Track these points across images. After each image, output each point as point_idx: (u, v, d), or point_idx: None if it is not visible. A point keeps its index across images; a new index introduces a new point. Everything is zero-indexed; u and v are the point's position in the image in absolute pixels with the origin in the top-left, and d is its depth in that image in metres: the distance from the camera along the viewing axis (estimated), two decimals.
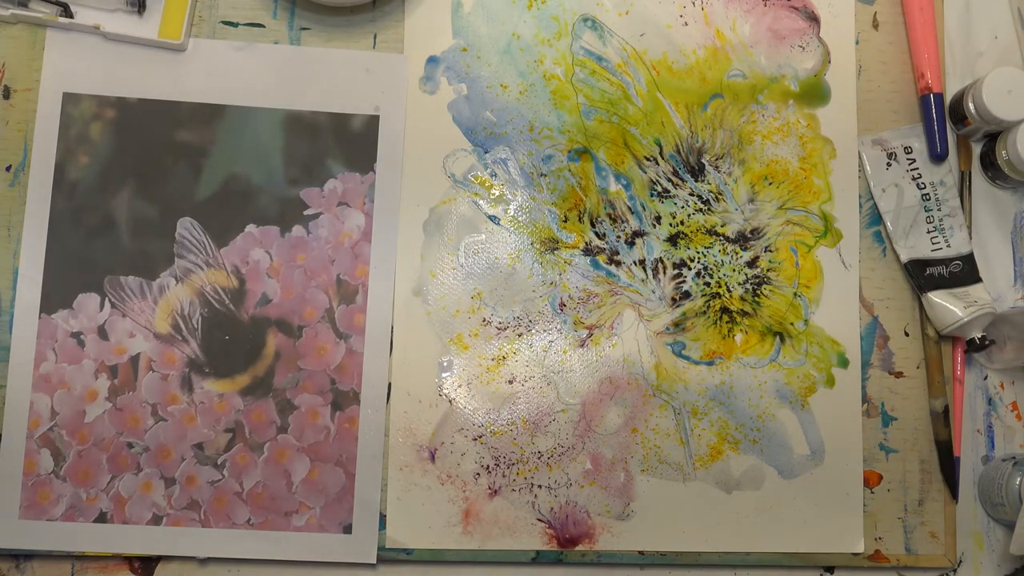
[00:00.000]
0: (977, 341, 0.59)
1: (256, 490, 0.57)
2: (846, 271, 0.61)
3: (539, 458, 0.58)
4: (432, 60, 0.61)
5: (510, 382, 0.59)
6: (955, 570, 0.60)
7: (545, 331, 0.59)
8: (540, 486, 0.58)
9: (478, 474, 0.58)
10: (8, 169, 0.58)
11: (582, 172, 0.61)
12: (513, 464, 0.58)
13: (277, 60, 0.60)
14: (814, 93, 0.63)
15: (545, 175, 0.61)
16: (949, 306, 0.59)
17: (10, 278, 0.58)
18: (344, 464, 0.57)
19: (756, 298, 0.61)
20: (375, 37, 0.61)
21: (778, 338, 0.60)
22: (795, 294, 0.61)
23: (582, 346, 0.59)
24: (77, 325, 0.57)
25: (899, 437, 0.60)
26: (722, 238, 0.61)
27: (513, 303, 0.60)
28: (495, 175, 0.61)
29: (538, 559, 0.58)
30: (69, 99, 0.59)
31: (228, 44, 0.60)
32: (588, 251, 0.60)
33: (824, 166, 0.62)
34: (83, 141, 0.59)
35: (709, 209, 0.61)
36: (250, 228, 0.59)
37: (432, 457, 0.58)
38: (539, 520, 0.58)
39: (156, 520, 0.56)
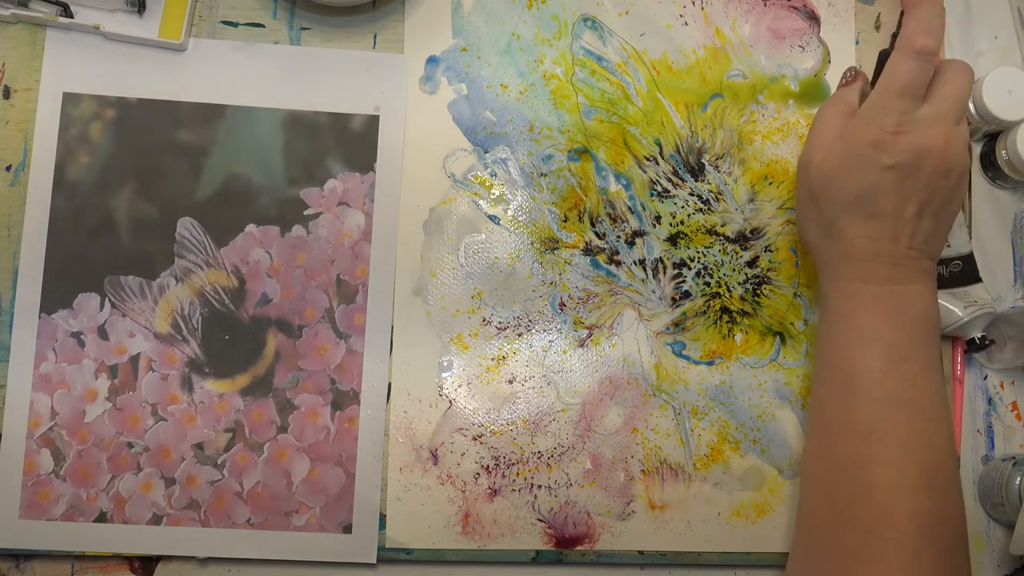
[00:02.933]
0: (977, 341, 0.59)
1: (256, 490, 0.57)
2: None
3: (539, 458, 0.58)
4: (432, 60, 0.61)
5: (510, 382, 0.59)
6: None
7: (545, 331, 0.59)
8: (540, 486, 0.58)
9: (478, 474, 0.58)
10: (8, 169, 0.58)
11: (582, 172, 0.61)
12: (513, 464, 0.58)
13: (277, 60, 0.60)
14: (814, 93, 0.63)
15: (545, 175, 0.61)
16: (949, 306, 0.59)
17: (10, 278, 0.58)
18: (344, 464, 0.57)
19: (756, 298, 0.61)
20: (375, 37, 0.61)
21: (778, 338, 0.60)
22: (795, 294, 0.61)
23: (582, 346, 0.59)
24: (77, 325, 0.57)
25: None
26: (722, 238, 0.61)
27: (513, 303, 0.60)
28: (495, 175, 0.61)
29: (538, 559, 0.58)
30: (69, 99, 0.59)
31: (228, 44, 0.60)
32: (588, 251, 0.60)
33: None
34: (83, 141, 0.59)
35: (709, 209, 0.61)
36: (250, 228, 0.59)
37: (435, 459, 0.58)
38: (539, 520, 0.58)
39: (156, 520, 0.56)
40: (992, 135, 0.62)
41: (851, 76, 0.54)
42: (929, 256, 0.51)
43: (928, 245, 0.50)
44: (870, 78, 0.54)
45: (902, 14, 0.51)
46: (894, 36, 0.53)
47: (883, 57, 0.53)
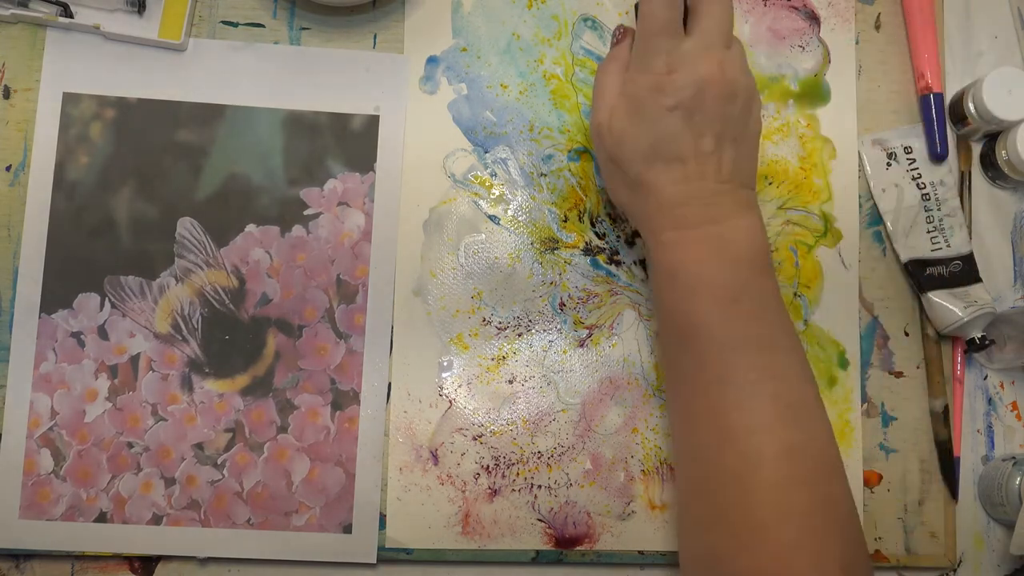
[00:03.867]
0: (977, 341, 0.59)
1: (256, 490, 0.57)
2: (846, 271, 0.61)
3: (539, 458, 0.58)
4: (432, 60, 0.61)
5: (510, 382, 0.59)
6: (955, 570, 0.60)
7: (545, 331, 0.59)
8: (540, 486, 0.58)
9: (478, 474, 0.58)
10: (8, 169, 0.58)
11: (582, 172, 0.61)
12: (513, 464, 0.58)
13: (277, 60, 0.60)
14: (814, 93, 0.63)
15: (545, 175, 0.61)
16: (949, 306, 0.59)
17: (10, 278, 0.58)
18: (344, 464, 0.57)
19: None
20: (375, 37, 0.61)
21: None
22: (795, 294, 0.61)
23: (582, 346, 0.59)
24: (77, 325, 0.57)
25: (899, 437, 0.60)
26: None
27: (513, 303, 0.60)
28: (495, 175, 0.61)
29: (538, 559, 0.58)
30: (69, 99, 0.59)
31: (228, 44, 0.60)
32: (588, 251, 0.60)
33: (824, 166, 0.62)
34: (83, 141, 0.59)
35: None
36: (250, 228, 0.59)
37: (435, 459, 0.58)
38: (539, 520, 0.58)
39: (156, 520, 0.56)
40: (992, 135, 0.62)
41: (620, 34, 0.54)
42: (743, 185, 0.50)
43: (738, 174, 0.50)
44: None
45: None
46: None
47: (639, 7, 0.52)
